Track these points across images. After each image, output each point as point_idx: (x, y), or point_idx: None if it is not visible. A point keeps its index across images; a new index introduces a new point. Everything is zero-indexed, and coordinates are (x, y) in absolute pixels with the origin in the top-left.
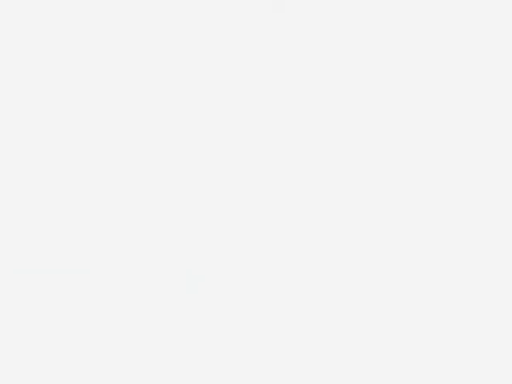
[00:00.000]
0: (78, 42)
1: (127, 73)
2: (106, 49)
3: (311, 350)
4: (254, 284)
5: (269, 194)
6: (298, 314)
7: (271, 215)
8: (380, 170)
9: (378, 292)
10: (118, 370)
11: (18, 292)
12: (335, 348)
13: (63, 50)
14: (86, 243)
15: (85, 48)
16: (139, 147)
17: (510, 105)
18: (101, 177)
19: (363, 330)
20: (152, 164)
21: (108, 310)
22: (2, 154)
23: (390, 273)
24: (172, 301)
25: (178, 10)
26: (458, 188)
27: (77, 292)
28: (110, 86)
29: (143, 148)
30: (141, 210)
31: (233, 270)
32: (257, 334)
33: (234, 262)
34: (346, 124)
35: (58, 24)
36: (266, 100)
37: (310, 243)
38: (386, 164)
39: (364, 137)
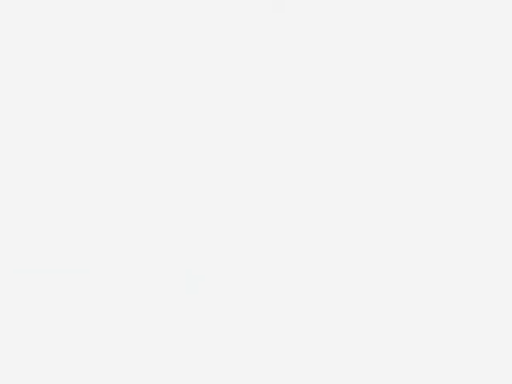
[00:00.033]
0: (78, 42)
1: (127, 73)
2: (106, 49)
3: (311, 350)
4: (253, 284)
5: (268, 195)
6: (297, 314)
7: (271, 215)
8: (380, 169)
9: (378, 292)
10: (118, 370)
11: (18, 292)
12: (335, 348)
13: (63, 50)
14: (86, 243)
15: (85, 48)
16: (139, 148)
17: (510, 105)
18: (101, 177)
19: (363, 330)
20: (152, 165)
21: (108, 310)
22: (2, 154)
23: (390, 272)
24: (172, 301)
25: (178, 10)
26: (458, 188)
27: (77, 292)
28: (110, 86)
29: (143, 148)
30: (141, 211)
31: (233, 270)
32: (257, 334)
33: (234, 262)
34: (346, 124)
35: (58, 24)
36: (265, 100)
37: (310, 243)
38: (386, 164)
39: (364, 137)
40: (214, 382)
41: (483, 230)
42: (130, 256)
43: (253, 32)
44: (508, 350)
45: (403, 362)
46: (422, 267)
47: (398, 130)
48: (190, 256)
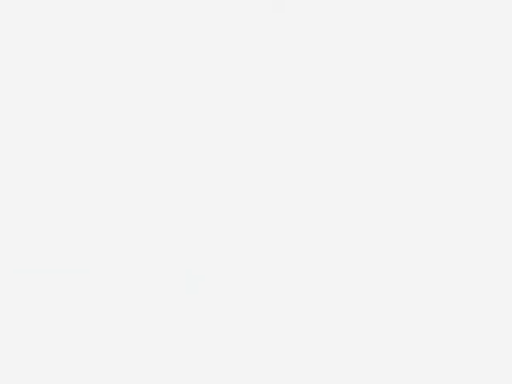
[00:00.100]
0: (78, 42)
1: (127, 73)
2: (106, 49)
3: (311, 350)
4: (253, 284)
5: (268, 195)
6: (297, 314)
7: (271, 216)
8: (380, 169)
9: (378, 292)
10: (118, 370)
11: (18, 292)
12: (335, 348)
13: (63, 50)
14: (86, 243)
15: (85, 48)
16: (139, 148)
17: (510, 105)
18: (101, 177)
19: (363, 330)
20: (152, 165)
21: (108, 310)
22: (2, 154)
23: (390, 272)
24: (172, 301)
25: (178, 10)
26: (458, 188)
27: (77, 292)
28: (110, 86)
29: (143, 149)
30: (141, 211)
31: (233, 270)
32: (257, 334)
33: (234, 262)
34: (346, 124)
35: (58, 24)
36: (265, 100)
37: (310, 243)
38: (386, 164)
39: (364, 136)
40: (214, 381)
41: (483, 229)
42: (130, 256)
43: (253, 32)
44: (508, 350)
45: (403, 361)
46: (422, 267)
47: (398, 130)
48: (190, 256)
